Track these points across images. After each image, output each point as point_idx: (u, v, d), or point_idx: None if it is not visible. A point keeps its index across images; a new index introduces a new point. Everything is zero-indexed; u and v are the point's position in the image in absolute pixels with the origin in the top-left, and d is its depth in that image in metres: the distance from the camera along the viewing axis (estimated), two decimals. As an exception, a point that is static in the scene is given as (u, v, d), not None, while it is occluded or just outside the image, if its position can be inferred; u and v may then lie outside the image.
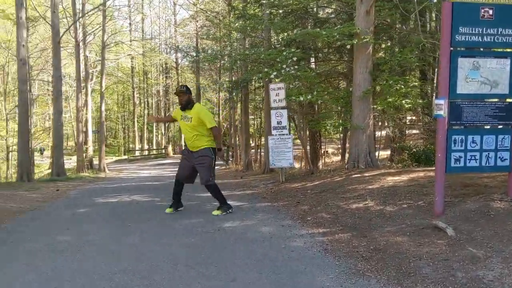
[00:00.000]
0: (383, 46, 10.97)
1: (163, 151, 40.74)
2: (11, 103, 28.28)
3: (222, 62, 14.51)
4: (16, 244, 4.54)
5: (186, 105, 5.89)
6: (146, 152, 42.10)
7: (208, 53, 13.28)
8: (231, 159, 23.78)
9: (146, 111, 47.59)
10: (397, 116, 11.66)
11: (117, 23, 38.30)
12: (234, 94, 15.33)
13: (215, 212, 5.97)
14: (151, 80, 45.83)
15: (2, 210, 6.65)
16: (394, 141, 13.69)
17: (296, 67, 9.17)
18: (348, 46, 8.76)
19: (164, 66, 46.22)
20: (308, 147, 15.96)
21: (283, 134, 8.94)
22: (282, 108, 8.96)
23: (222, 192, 6.27)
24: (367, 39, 8.33)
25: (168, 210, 6.21)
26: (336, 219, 5.14)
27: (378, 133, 15.13)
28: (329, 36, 8.50)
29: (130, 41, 30.53)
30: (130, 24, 42.77)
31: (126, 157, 40.24)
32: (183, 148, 6.29)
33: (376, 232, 4.36)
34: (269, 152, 9.06)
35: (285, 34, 10.84)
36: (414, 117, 16.95)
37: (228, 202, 6.14)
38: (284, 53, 9.21)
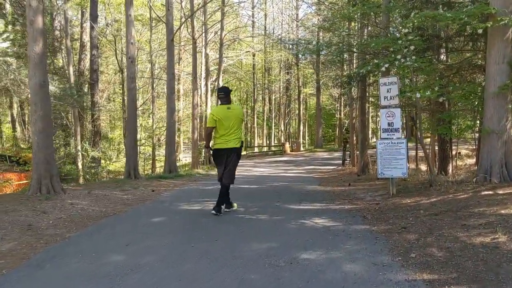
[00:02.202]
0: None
1: (281, 148, 40.44)
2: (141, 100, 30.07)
3: (333, 56, 13.22)
4: (59, 265, 4.04)
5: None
6: (264, 149, 42.25)
7: (313, 44, 12.11)
8: (348, 159, 22.38)
9: (266, 108, 47.86)
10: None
11: (240, 21, 38.98)
12: (346, 89, 13.96)
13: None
14: (272, 76, 45.83)
15: (82, 215, 6.40)
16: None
17: (414, 57, 7.68)
18: (480, 31, 7.04)
19: (286, 62, 45.89)
20: (436, 147, 14.08)
21: (395, 138, 7.57)
22: (395, 106, 7.59)
23: (318, 205, 6.15)
24: (505, 21, 6.58)
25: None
26: (450, 259, 3.82)
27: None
28: (454, 19, 6.88)
29: (252, 37, 30.42)
30: (253, 22, 43.37)
31: (245, 152, 40.74)
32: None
33: (508, 292, 3.01)
34: (378, 159, 7.74)
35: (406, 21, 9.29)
36: None
37: (316, 221, 5.19)
38: (400, 41, 7.78)
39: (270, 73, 46.43)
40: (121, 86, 27.98)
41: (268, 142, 48.10)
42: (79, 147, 17.99)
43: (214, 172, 19.22)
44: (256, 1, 43.47)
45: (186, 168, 22.29)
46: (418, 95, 7.35)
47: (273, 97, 48.09)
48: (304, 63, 42.52)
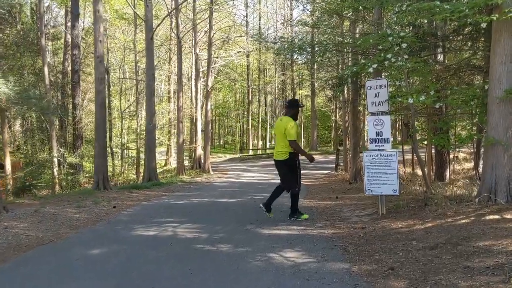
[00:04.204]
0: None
1: (275, 150, 39.38)
2: (126, 102, 29.02)
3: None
4: None
5: None
6: (259, 152, 41.23)
7: (295, 42, 11.06)
8: (341, 164, 21.39)
9: (262, 109, 46.83)
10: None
11: (234, 20, 37.89)
12: (338, 92, 12.93)
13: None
14: (267, 78, 44.78)
15: (11, 244, 5.36)
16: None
17: (406, 57, 6.66)
18: (484, 25, 6.01)
19: (281, 63, 44.80)
20: (432, 151, 13.10)
21: (384, 150, 6.55)
22: (384, 113, 6.57)
23: (295, 229, 6.06)
24: (515, 13, 5.57)
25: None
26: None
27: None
28: (454, 12, 5.85)
29: (241, 37, 29.32)
30: (247, 22, 42.27)
31: (239, 155, 39.69)
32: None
33: None
34: (365, 174, 6.71)
35: (398, 14, 8.23)
36: None
37: (287, 255, 4.67)
38: (390, 38, 6.76)
39: (265, 74, 45.40)
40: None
41: (263, 144, 47.10)
42: (54, 153, 16.90)
43: (200, 178, 18.22)
44: (250, 1, 42.56)
45: (172, 174, 21.27)
46: (410, 100, 6.29)
47: (269, 99, 47.04)
48: (299, 64, 41.45)
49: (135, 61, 24.22)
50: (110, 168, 26.62)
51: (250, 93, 43.73)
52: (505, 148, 5.99)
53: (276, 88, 46.38)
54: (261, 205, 6.85)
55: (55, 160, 16.99)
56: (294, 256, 4.69)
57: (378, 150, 6.58)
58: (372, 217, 6.76)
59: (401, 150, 16.68)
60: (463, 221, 5.41)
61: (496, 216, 5.34)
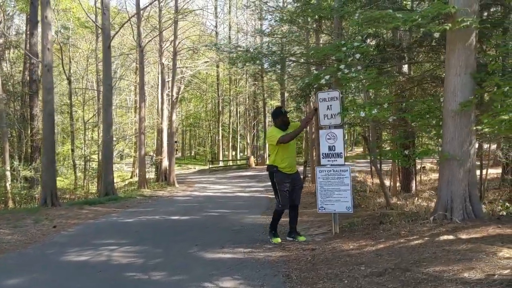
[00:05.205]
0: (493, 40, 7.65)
1: (246, 161, 38.98)
2: (90, 113, 28.20)
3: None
4: None
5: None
6: (230, 163, 40.69)
7: (245, 53, 10.72)
8: (309, 176, 21.12)
9: (233, 119, 46.33)
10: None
11: (204, 30, 37.47)
12: (298, 103, 12.63)
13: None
14: (237, 88, 44.36)
15: None
16: (507, 171, 10.12)
17: (359, 68, 6.36)
18: (437, 35, 5.76)
19: (250, 74, 44.51)
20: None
21: (337, 165, 6.21)
22: (337, 127, 6.23)
23: (241, 252, 5.70)
24: (468, 22, 5.32)
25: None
26: None
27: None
28: (406, 21, 5.57)
29: (210, 46, 28.81)
30: (216, 33, 41.87)
31: (208, 167, 39.10)
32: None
33: None
34: (317, 190, 6.34)
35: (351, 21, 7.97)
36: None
37: (224, 285, 4.16)
38: (344, 48, 6.46)
39: (236, 84, 44.99)
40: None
41: (234, 155, 46.63)
42: (7, 166, 16.05)
43: (162, 192, 17.61)
44: (219, 11, 42.28)
45: (135, 187, 20.58)
46: (362, 114, 5.98)
47: (238, 109, 46.61)
48: (270, 75, 41.24)
49: (97, 70, 23.51)
50: (71, 181, 25.81)
51: (219, 104, 43.27)
52: (460, 163, 5.72)
53: (248, 99, 46.03)
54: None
55: (8, 173, 16.13)
56: (230, 287, 4.25)
57: (331, 165, 6.23)
58: (325, 236, 6.39)
59: (368, 161, 16.51)
60: (416, 242, 5.08)
61: (451, 237, 5.03)
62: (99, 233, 7.54)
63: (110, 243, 6.46)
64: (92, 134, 27.01)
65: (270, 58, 10.60)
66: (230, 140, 47.17)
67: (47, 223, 8.27)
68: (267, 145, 42.76)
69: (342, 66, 6.35)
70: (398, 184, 14.19)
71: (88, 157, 25.61)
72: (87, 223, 8.67)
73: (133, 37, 18.44)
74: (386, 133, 16.72)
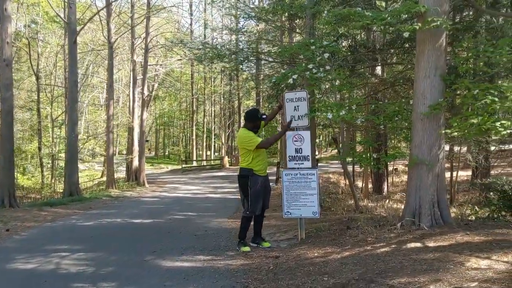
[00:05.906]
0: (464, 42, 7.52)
1: (219, 161, 38.60)
2: (58, 110, 27.39)
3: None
4: None
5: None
6: (203, 163, 40.21)
7: (212, 50, 10.38)
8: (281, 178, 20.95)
9: (207, 119, 45.83)
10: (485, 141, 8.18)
11: (179, 28, 36.92)
12: (269, 103, 12.41)
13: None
14: (212, 87, 43.88)
15: None
16: (476, 174, 10.09)
17: (328, 67, 6.14)
18: (406, 35, 5.57)
19: (225, 72, 44.10)
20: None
21: (304, 168, 5.97)
22: (304, 128, 5.99)
23: (201, 259, 5.37)
24: (437, 22, 5.14)
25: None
26: None
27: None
28: (376, 19, 5.37)
29: (177, 44, 28.35)
30: (191, 31, 41.27)
31: (181, 167, 38.55)
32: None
33: None
34: (283, 194, 6.09)
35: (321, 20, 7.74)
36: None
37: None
38: (313, 47, 6.23)
39: (211, 83, 44.49)
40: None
41: (208, 155, 46.16)
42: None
43: (130, 192, 17.12)
44: (194, 9, 41.76)
45: (103, 187, 20.00)
46: (330, 115, 5.75)
47: (213, 109, 46.13)
48: (246, 74, 40.91)
49: (65, 66, 22.79)
50: (38, 180, 24.98)
51: (193, 102, 42.76)
52: (429, 168, 5.55)
53: (222, 98, 45.62)
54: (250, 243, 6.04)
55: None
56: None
57: (298, 168, 5.99)
58: (290, 242, 6.15)
59: (339, 162, 16.39)
60: (383, 249, 4.87)
61: (418, 244, 4.85)
62: (53, 237, 7.12)
63: (63, 249, 6.07)
64: (60, 131, 26.21)
65: (238, 55, 10.30)
66: (205, 139, 46.68)
67: (0, 226, 7.79)
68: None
69: (310, 66, 6.11)
70: (370, 185, 14.14)
71: (56, 156, 24.82)
72: (43, 226, 8.22)
73: (102, 32, 17.83)
74: (359, 135, 16.66)
